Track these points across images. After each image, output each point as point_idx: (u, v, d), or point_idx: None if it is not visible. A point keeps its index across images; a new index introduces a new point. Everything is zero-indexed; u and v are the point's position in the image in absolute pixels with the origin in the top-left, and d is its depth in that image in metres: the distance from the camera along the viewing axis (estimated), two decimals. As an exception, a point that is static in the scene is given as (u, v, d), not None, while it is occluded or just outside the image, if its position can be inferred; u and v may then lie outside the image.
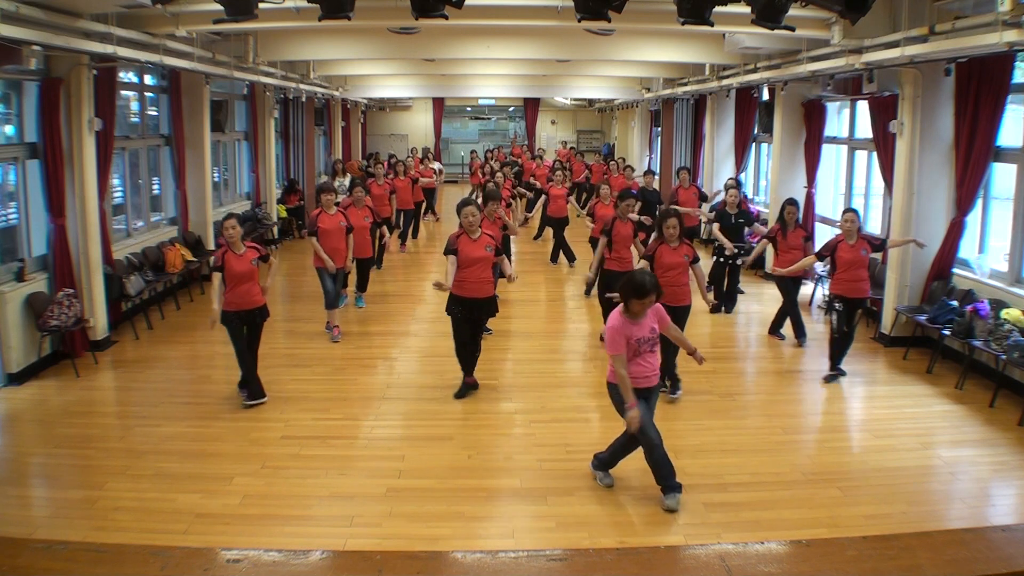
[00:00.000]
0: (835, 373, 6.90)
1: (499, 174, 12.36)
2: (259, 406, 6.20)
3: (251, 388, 6.23)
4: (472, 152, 22.55)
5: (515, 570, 2.05)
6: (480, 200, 7.56)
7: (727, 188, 9.73)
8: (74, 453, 5.44)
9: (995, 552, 2.09)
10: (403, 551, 3.73)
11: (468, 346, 6.40)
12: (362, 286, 9.40)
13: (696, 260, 6.32)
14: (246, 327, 6.16)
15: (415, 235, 14.02)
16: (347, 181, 12.92)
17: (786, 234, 7.83)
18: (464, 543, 4.35)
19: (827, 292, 7.03)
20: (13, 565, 1.94)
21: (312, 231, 7.95)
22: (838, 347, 6.87)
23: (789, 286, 7.86)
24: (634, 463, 5.36)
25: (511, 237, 8.84)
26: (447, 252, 6.16)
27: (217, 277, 6.05)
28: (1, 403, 6.36)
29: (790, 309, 7.97)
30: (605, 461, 4.95)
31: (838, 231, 6.93)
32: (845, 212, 6.85)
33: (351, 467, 5.23)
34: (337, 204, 8.21)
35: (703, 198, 11.36)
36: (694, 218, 10.54)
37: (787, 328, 8.12)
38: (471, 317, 6.30)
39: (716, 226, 9.08)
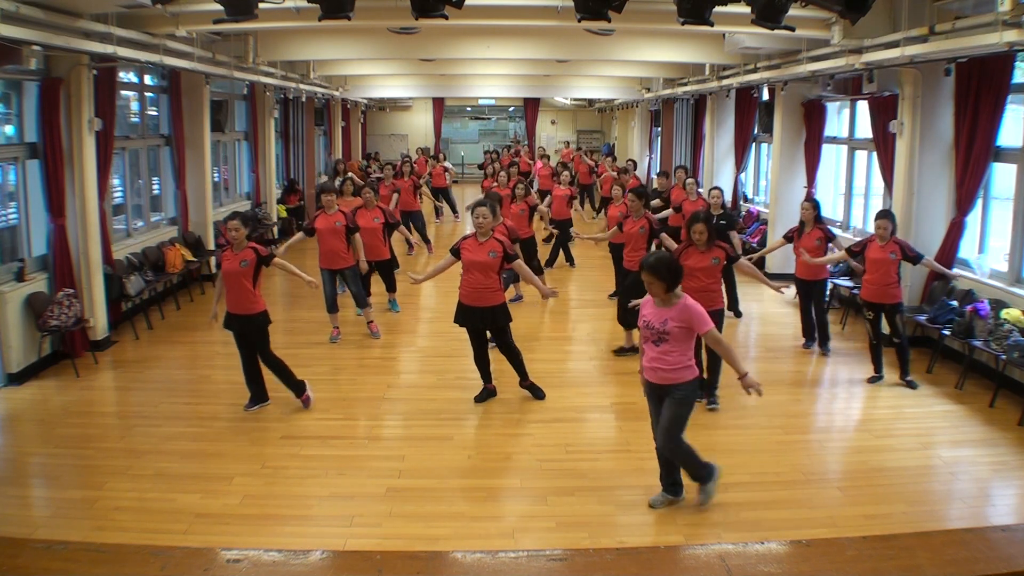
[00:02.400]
0: (877, 376, 6.85)
1: (502, 174, 12.01)
2: (260, 408, 6.18)
3: (252, 392, 6.18)
4: (486, 153, 22.00)
5: (515, 570, 2.05)
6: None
7: (709, 191, 9.66)
8: (74, 453, 5.44)
9: (995, 552, 2.09)
10: (403, 551, 3.73)
11: (487, 355, 6.29)
12: (390, 287, 9.13)
13: (732, 260, 6.09)
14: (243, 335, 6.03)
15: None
16: (341, 181, 12.82)
17: (801, 234, 7.50)
18: (464, 543, 4.35)
19: (859, 298, 6.91)
20: (13, 565, 1.94)
21: (308, 231, 7.95)
22: (877, 353, 6.83)
23: (809, 289, 7.60)
24: (634, 463, 5.36)
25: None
26: (451, 251, 6.13)
27: (219, 275, 6.07)
28: (1, 403, 6.36)
29: (805, 310, 7.77)
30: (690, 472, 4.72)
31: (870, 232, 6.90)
32: (878, 218, 6.69)
33: (351, 467, 5.23)
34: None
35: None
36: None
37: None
38: (478, 327, 6.13)
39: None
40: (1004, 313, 6.49)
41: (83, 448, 5.51)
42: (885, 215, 6.72)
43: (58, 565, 1.98)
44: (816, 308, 7.67)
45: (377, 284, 9.01)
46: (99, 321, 7.63)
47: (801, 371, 7.31)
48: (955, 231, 7.55)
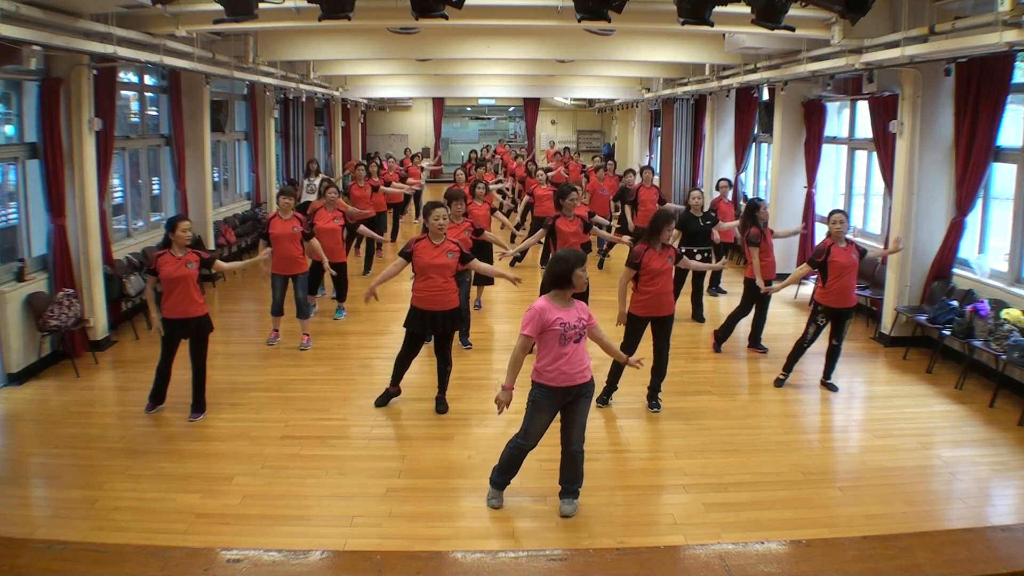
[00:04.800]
0: (782, 377, 6.79)
1: (459, 172, 11.61)
2: (201, 419, 5.97)
3: (193, 404, 6.03)
4: (485, 149, 21.79)
5: (515, 570, 2.05)
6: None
7: (690, 191, 9.61)
8: (74, 453, 5.44)
9: (995, 552, 2.09)
10: (403, 551, 3.74)
11: (410, 358, 6.15)
12: (341, 296, 8.88)
13: (679, 257, 6.08)
14: (188, 340, 5.89)
15: (393, 238, 13.76)
16: (317, 181, 12.75)
17: (765, 237, 7.51)
18: (464, 543, 4.35)
19: (814, 301, 6.69)
20: (13, 565, 1.95)
21: (263, 236, 7.71)
22: (797, 355, 6.72)
23: (755, 291, 7.48)
24: (634, 463, 5.36)
25: (493, 247, 8.10)
26: (401, 254, 5.97)
27: (151, 281, 5.87)
28: (1, 403, 6.36)
29: (739, 316, 7.72)
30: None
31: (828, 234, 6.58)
32: (833, 213, 6.52)
33: (351, 467, 5.23)
34: (305, 204, 8.02)
35: (661, 201, 11.18)
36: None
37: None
38: (433, 332, 6.01)
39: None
40: (1004, 313, 6.48)
41: (83, 448, 5.51)
42: (841, 211, 6.57)
43: (58, 565, 1.98)
44: (764, 309, 7.68)
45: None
46: (99, 321, 7.63)
47: (801, 371, 7.28)
48: (955, 231, 7.55)
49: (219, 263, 6.00)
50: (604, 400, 6.20)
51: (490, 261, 8.47)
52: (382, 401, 6.25)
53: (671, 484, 5.05)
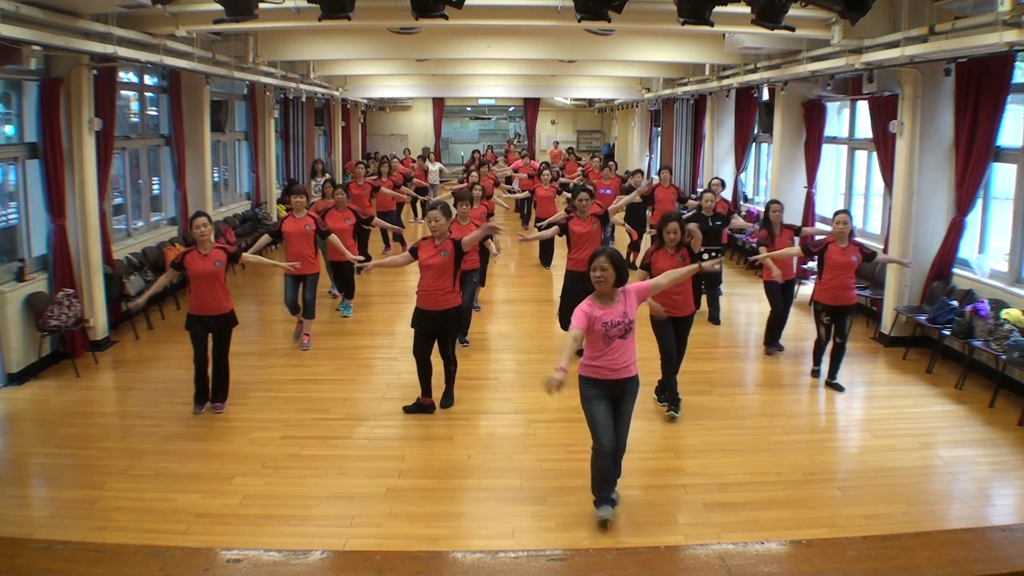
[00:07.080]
0: (836, 383, 6.74)
1: (474, 173, 11.36)
2: (221, 412, 6.10)
3: (214, 394, 6.14)
4: (489, 148, 21.71)
5: (515, 570, 2.05)
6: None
7: (703, 192, 9.60)
8: (74, 453, 5.44)
9: (995, 552, 2.10)
10: (403, 551, 3.74)
11: (430, 363, 6.13)
12: (348, 293, 9.01)
13: (697, 257, 6.03)
14: (210, 335, 5.98)
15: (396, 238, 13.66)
16: (323, 181, 12.70)
17: (774, 238, 7.53)
18: (464, 543, 4.36)
19: (812, 300, 6.81)
20: (13, 565, 1.95)
21: (274, 233, 7.73)
22: (827, 352, 6.75)
23: (778, 292, 7.52)
24: (634, 463, 5.36)
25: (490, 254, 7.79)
26: (409, 250, 6.05)
27: (171, 273, 6.04)
28: (1, 403, 6.36)
29: (777, 316, 7.69)
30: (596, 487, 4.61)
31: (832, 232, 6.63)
32: (838, 213, 6.62)
33: (351, 467, 5.23)
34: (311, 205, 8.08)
35: (682, 200, 11.10)
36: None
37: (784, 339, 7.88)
38: (432, 331, 6.02)
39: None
40: (1004, 313, 6.48)
41: (83, 448, 5.51)
42: (846, 212, 6.66)
43: (58, 565, 1.98)
44: (786, 308, 7.68)
45: (364, 284, 8.95)
46: (99, 321, 7.63)
47: (801, 371, 7.29)
48: (955, 231, 7.55)
49: (245, 256, 6.21)
50: (674, 410, 6.11)
51: (485, 264, 8.46)
52: (412, 408, 6.16)
53: (671, 484, 5.05)
